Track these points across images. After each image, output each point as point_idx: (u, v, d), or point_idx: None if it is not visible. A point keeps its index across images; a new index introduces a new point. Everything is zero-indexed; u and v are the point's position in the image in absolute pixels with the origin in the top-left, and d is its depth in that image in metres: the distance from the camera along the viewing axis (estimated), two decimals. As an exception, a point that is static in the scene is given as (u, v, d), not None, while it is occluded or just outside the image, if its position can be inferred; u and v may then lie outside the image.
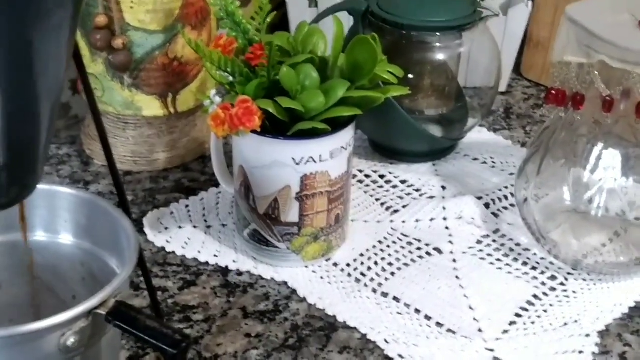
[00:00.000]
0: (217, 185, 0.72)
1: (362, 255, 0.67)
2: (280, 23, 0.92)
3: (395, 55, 0.76)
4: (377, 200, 0.74)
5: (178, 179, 0.76)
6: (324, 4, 0.86)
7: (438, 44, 0.75)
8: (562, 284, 0.64)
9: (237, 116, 0.58)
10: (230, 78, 0.62)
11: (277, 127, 0.61)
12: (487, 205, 0.72)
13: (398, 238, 0.69)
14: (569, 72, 0.59)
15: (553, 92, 0.61)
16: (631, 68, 0.56)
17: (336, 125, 0.61)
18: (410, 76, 0.77)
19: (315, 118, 0.60)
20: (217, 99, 0.60)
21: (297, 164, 0.61)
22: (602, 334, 0.59)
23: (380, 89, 0.62)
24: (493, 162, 0.79)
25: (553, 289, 0.63)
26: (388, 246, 0.68)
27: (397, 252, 0.67)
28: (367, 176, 0.77)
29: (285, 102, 0.58)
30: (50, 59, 0.37)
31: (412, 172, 0.77)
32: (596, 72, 0.57)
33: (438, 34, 0.74)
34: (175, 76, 0.74)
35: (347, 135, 0.62)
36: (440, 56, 0.76)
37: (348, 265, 0.66)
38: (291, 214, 0.63)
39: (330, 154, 0.61)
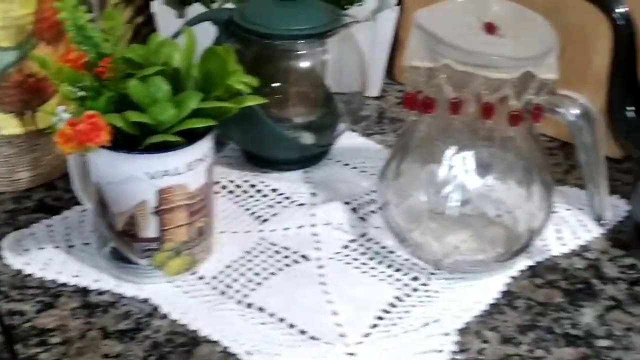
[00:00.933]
0: (80, 203, 0.70)
1: (228, 266, 0.66)
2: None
3: (261, 64, 0.76)
4: (247, 210, 0.73)
5: (41, 198, 0.74)
6: (192, 14, 0.85)
7: (302, 52, 0.75)
8: (424, 284, 0.65)
9: (83, 132, 0.56)
10: (81, 93, 0.61)
11: (132, 141, 0.59)
12: (354, 210, 0.72)
13: (266, 247, 0.69)
14: (419, 76, 0.60)
15: (407, 96, 0.62)
16: (474, 70, 0.57)
17: (194, 137, 0.60)
18: (277, 84, 0.77)
19: (169, 130, 0.59)
20: (65, 115, 0.59)
21: (152, 178, 0.59)
22: (461, 332, 0.60)
23: (235, 99, 0.62)
24: (364, 167, 0.80)
25: (415, 290, 0.64)
26: (256, 256, 0.68)
27: (264, 261, 0.67)
28: (237, 186, 0.76)
29: (134, 115, 0.57)
30: None
31: (283, 180, 0.77)
32: (443, 76, 0.59)
33: (301, 41, 0.74)
34: (32, 93, 0.71)
35: (203, 147, 0.61)
36: (305, 64, 0.76)
37: (214, 277, 0.65)
38: (150, 230, 0.61)
39: (187, 166, 0.60)
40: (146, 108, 0.58)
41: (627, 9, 0.66)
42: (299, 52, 0.75)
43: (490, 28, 0.60)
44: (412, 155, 0.65)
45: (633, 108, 0.67)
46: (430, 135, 0.63)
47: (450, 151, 0.63)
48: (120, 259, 0.63)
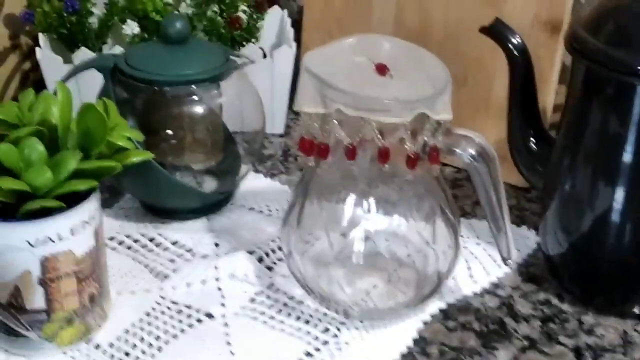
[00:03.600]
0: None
1: (127, 331, 0.62)
2: (39, 83, 0.87)
3: (152, 112, 0.73)
4: (146, 266, 0.69)
5: None
6: (79, 60, 0.81)
7: (194, 97, 0.72)
8: (335, 335, 0.62)
9: (-49, 204, 0.52)
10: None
11: (8, 207, 0.55)
12: (260, 259, 0.69)
13: (167, 307, 0.65)
14: (312, 121, 0.58)
15: (303, 141, 0.60)
16: (367, 115, 0.55)
17: (77, 199, 0.56)
18: (169, 132, 0.74)
19: (47, 195, 0.55)
20: None
21: (32, 246, 0.55)
22: (373, 384, 0.58)
23: (119, 155, 0.58)
24: (269, 210, 0.77)
25: (326, 343, 0.61)
26: (156, 317, 0.64)
27: (165, 323, 0.63)
28: (135, 241, 0.72)
29: (6, 182, 0.53)
30: None
31: (184, 230, 0.74)
32: (334, 121, 0.56)
33: (192, 87, 0.71)
34: None
35: (88, 209, 0.57)
36: (198, 109, 0.73)
37: (111, 345, 0.61)
38: (36, 300, 0.57)
39: (71, 231, 0.56)
40: (20, 173, 0.54)
41: (520, 40, 0.65)
42: (192, 97, 0.72)
43: (381, 69, 0.58)
44: (314, 200, 0.62)
45: (533, 140, 0.66)
46: (330, 180, 0.61)
47: (351, 195, 0.61)
48: (8, 332, 0.58)
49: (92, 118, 0.56)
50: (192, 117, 0.74)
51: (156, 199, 0.74)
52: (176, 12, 0.86)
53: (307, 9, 0.89)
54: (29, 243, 0.55)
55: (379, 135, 0.55)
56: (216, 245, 0.72)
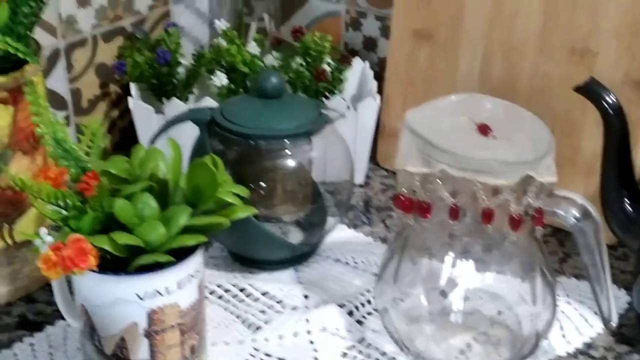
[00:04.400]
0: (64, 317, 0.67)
1: (223, 382, 0.63)
2: (129, 129, 0.89)
3: (245, 164, 0.74)
4: (238, 317, 0.70)
5: (22, 313, 0.71)
6: (171, 110, 0.83)
7: (287, 151, 0.73)
8: (429, 393, 0.62)
9: (69, 258, 0.53)
10: (64, 212, 0.58)
11: (119, 260, 0.57)
12: (350, 313, 0.70)
13: (261, 359, 0.66)
14: (413, 180, 0.59)
15: (401, 198, 0.61)
16: (473, 176, 0.55)
17: (181, 252, 0.58)
18: (261, 184, 0.75)
19: (158, 249, 0.56)
20: (49, 238, 0.56)
21: (141, 299, 0.57)
22: None
23: (225, 210, 0.59)
24: (355, 263, 0.77)
25: (421, 400, 0.61)
26: (251, 369, 0.65)
27: (260, 375, 0.64)
28: (226, 290, 0.73)
29: (122, 237, 0.55)
30: None
31: (273, 281, 0.75)
32: (439, 181, 0.57)
33: (286, 141, 0.72)
34: (9, 205, 0.69)
35: (194, 263, 0.59)
36: (290, 162, 0.74)
37: (208, 396, 0.62)
38: (141, 352, 0.58)
39: (178, 285, 0.58)
40: (134, 228, 0.56)
41: (615, 99, 0.65)
42: (284, 152, 0.74)
43: (483, 129, 0.58)
44: (411, 257, 0.63)
45: (628, 200, 0.66)
46: (427, 237, 0.62)
47: (450, 252, 0.61)
48: (109, 383, 0.60)
49: (203, 174, 0.57)
50: (283, 170, 0.76)
51: (246, 249, 0.75)
52: (270, 67, 0.88)
53: (390, 61, 0.91)
54: (138, 296, 0.57)
55: (484, 197, 0.56)
56: (305, 297, 0.73)
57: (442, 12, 0.85)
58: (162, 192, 0.59)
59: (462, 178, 0.56)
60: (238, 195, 0.60)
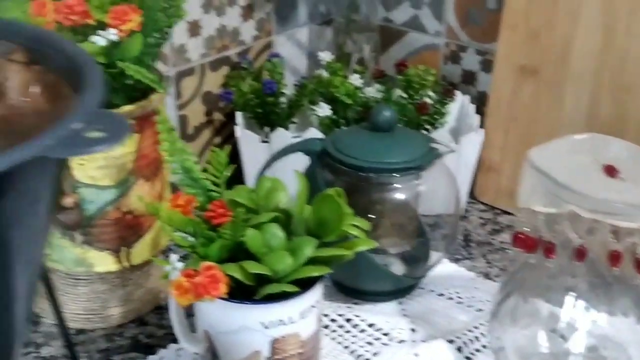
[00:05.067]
0: (175, 340, 0.68)
1: (336, 413, 0.64)
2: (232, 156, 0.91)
3: (354, 195, 0.74)
4: (345, 347, 0.71)
5: (134, 335, 0.72)
6: (276, 139, 0.85)
7: (397, 185, 0.74)
8: None
9: (202, 285, 0.55)
10: (190, 239, 0.60)
11: (243, 288, 0.58)
12: (459, 349, 0.70)
13: (372, 391, 0.66)
14: (537, 219, 0.58)
15: (521, 236, 0.60)
16: (603, 218, 0.55)
17: (306, 284, 0.58)
18: (371, 216, 0.76)
19: (283, 279, 0.57)
20: (179, 265, 0.58)
21: (266, 327, 0.58)
22: None
23: (347, 243, 0.60)
24: (459, 298, 0.77)
25: None
26: (362, 401, 0.65)
27: (372, 407, 0.64)
28: (332, 320, 0.74)
29: (253, 266, 0.56)
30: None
31: (378, 313, 0.75)
32: (567, 222, 0.57)
33: (397, 175, 0.73)
34: (128, 229, 0.71)
35: (316, 294, 0.60)
36: (399, 196, 0.75)
37: None
38: (261, 379, 0.59)
39: (301, 315, 0.59)
40: (262, 257, 0.57)
41: None
42: (394, 185, 0.74)
43: (610, 171, 0.58)
44: (528, 297, 0.62)
45: None
46: (548, 277, 0.61)
47: (571, 294, 0.61)
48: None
49: (329, 207, 0.58)
50: (391, 203, 0.76)
51: (352, 279, 0.76)
52: (373, 99, 0.89)
53: (492, 95, 0.91)
54: (263, 325, 0.58)
55: (612, 239, 0.56)
56: (412, 330, 0.73)
57: (549, 49, 0.85)
58: (285, 222, 0.60)
59: (590, 219, 0.56)
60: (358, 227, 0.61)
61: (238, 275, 0.56)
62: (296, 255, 0.57)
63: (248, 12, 0.94)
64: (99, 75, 0.29)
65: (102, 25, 0.60)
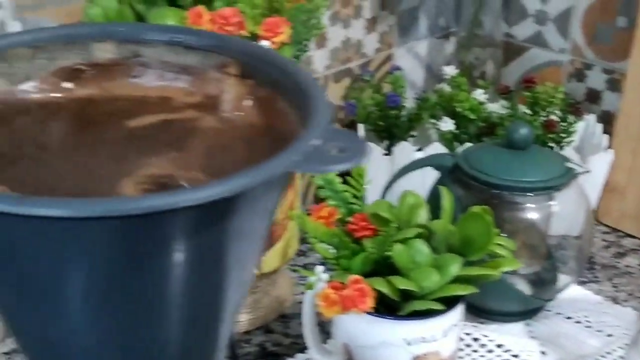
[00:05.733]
0: (302, 350, 0.69)
1: None
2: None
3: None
4: (473, 367, 0.70)
5: (261, 342, 0.73)
6: (399, 152, 0.84)
7: (530, 204, 0.72)
8: None
9: (350, 298, 0.55)
10: (332, 250, 0.60)
11: (383, 303, 0.58)
12: (592, 375, 0.68)
13: (502, 413, 0.65)
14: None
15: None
16: None
17: (449, 302, 0.58)
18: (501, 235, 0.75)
19: (427, 296, 0.57)
20: (324, 276, 0.58)
21: (408, 344, 0.57)
22: None
23: (492, 262, 0.59)
24: (588, 322, 0.75)
25: None
26: (493, 423, 0.64)
27: None
28: (459, 339, 0.73)
29: (401, 282, 0.55)
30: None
31: (505, 333, 0.73)
32: None
33: (531, 194, 0.71)
34: (262, 238, 0.71)
35: (458, 313, 0.59)
36: (531, 216, 0.73)
37: None
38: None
39: (443, 333, 0.58)
40: (407, 273, 0.57)
41: None
42: (526, 205, 0.73)
43: None
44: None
45: None
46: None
47: None
48: None
49: (476, 225, 0.58)
50: (522, 222, 0.74)
51: (480, 298, 0.74)
52: (496, 115, 0.87)
53: (621, 115, 0.89)
54: (406, 341, 0.57)
55: None
56: (542, 353, 0.71)
57: (686, 69, 0.82)
58: (426, 238, 0.60)
59: None
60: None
61: (385, 289, 0.55)
62: (442, 273, 0.56)
63: (372, 24, 0.94)
64: (322, 92, 0.29)
65: (254, 37, 0.61)
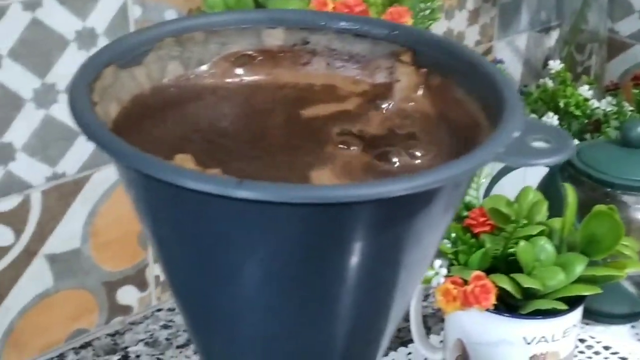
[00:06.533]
0: (405, 343, 0.68)
1: None
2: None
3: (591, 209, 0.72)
4: (581, 368, 0.68)
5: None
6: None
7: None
8: None
9: (473, 294, 0.54)
10: (449, 245, 0.59)
11: (501, 300, 0.56)
12: None
13: (614, 418, 0.63)
14: None
15: None
16: None
17: (570, 302, 0.56)
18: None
19: (549, 295, 0.56)
20: (443, 271, 0.57)
21: (527, 343, 0.56)
22: None
23: (617, 263, 0.58)
24: (693, 328, 0.73)
25: None
26: None
27: None
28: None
29: (526, 280, 0.54)
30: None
31: (611, 334, 0.72)
32: None
33: (644, 193, 0.69)
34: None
35: (579, 313, 0.58)
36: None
37: None
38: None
39: (563, 333, 0.57)
40: (530, 271, 0.56)
41: None
42: (638, 205, 0.71)
43: None
44: None
45: None
46: None
47: None
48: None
49: (603, 224, 0.56)
50: (635, 223, 0.72)
51: (588, 299, 0.73)
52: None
53: None
54: (525, 340, 0.56)
55: None
56: (654, 357, 0.69)
57: None
58: (548, 236, 0.58)
59: None
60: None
61: (509, 287, 0.54)
62: (567, 272, 0.55)
63: (474, 16, 0.93)
64: (511, 83, 0.29)
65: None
